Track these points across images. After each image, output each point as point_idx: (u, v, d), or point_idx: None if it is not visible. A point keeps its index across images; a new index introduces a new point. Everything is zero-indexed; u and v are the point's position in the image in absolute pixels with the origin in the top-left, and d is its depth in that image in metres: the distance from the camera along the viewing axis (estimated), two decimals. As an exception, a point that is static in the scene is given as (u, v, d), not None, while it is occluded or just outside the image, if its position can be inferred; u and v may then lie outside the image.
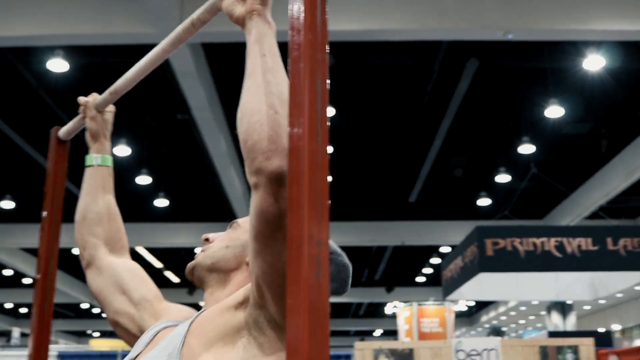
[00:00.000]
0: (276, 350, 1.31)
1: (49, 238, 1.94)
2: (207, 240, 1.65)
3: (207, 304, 1.56)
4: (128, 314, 1.74)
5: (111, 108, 2.01)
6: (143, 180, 12.42)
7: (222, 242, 1.61)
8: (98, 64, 9.51)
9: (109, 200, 1.94)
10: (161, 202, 13.67)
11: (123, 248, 1.91)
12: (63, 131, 2.03)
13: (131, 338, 1.71)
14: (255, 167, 1.17)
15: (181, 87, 9.12)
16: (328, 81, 1.01)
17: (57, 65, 8.94)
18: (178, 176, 13.71)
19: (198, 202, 15.52)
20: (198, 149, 11.66)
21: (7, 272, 21.96)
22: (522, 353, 8.83)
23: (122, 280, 1.79)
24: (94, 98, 1.99)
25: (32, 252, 20.01)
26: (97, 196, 1.93)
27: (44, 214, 1.97)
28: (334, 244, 1.46)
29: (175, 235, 16.35)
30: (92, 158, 1.97)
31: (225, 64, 9.53)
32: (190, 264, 1.61)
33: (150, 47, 1.59)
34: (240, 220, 1.67)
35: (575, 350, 8.67)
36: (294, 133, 0.97)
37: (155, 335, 1.59)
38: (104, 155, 1.98)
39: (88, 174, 1.97)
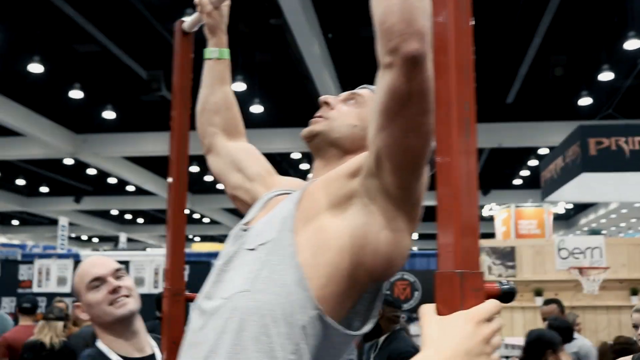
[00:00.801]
0: (386, 220, 1.37)
1: (180, 130, 2.04)
2: (327, 104, 1.66)
3: (317, 173, 1.61)
4: (244, 188, 1.87)
5: (227, 2, 2.05)
6: (238, 86, 12.57)
7: (351, 119, 1.61)
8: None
9: (226, 91, 2.04)
10: (256, 109, 13.83)
11: (240, 133, 2.03)
12: (187, 24, 2.09)
13: (247, 208, 1.82)
14: (391, 47, 1.21)
15: (274, -9, 9.10)
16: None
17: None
18: (272, 82, 13.79)
19: (293, 108, 15.63)
20: (292, 53, 11.67)
21: (112, 180, 22.89)
22: (627, 251, 8.71)
23: (238, 160, 1.92)
24: None
25: (134, 160, 20.76)
26: (215, 88, 2.03)
27: (173, 112, 2.06)
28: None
29: (270, 141, 16.59)
30: (210, 52, 2.06)
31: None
32: (312, 129, 1.62)
33: None
34: (365, 94, 1.66)
35: (682, 248, 8.49)
36: (438, 4, 0.99)
37: (268, 201, 1.67)
38: (221, 49, 2.06)
39: (207, 67, 2.07)
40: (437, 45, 0.99)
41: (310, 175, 1.67)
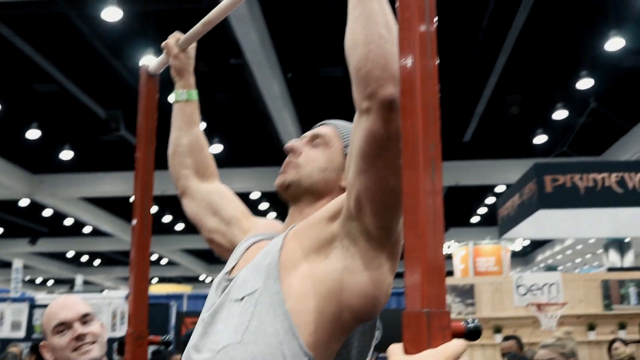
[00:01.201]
0: (368, 260, 1.38)
1: (144, 171, 2.03)
2: (293, 151, 1.68)
3: (293, 219, 1.62)
4: (221, 232, 1.87)
5: (193, 45, 2.07)
6: (198, 126, 12.57)
7: (320, 163, 1.63)
8: (150, 11, 9.58)
9: (197, 133, 2.05)
10: (216, 148, 13.82)
11: (212, 174, 2.04)
12: (153, 66, 2.10)
13: (224, 252, 1.84)
14: (369, 93, 1.25)
15: (234, 31, 9.15)
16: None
17: (111, 14, 9.03)
18: (232, 121, 13.82)
19: (252, 147, 15.65)
20: (251, 93, 11.72)
21: (68, 222, 22.55)
22: (584, 287, 8.82)
23: (213, 203, 1.92)
24: (176, 38, 2.06)
25: (91, 201, 20.50)
26: (185, 130, 2.05)
27: (137, 153, 2.05)
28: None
29: (230, 180, 16.53)
30: (179, 94, 2.08)
31: (277, 6, 9.50)
32: (284, 180, 1.64)
33: None
34: (329, 133, 1.68)
35: (638, 283, 8.63)
36: (405, 49, 1.02)
37: (247, 249, 1.67)
38: (189, 91, 2.09)
39: (176, 109, 2.08)
40: (403, 87, 1.02)
41: (286, 220, 1.67)
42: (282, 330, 1.36)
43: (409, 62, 1.01)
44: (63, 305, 2.32)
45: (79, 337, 2.23)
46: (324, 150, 1.65)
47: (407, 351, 0.97)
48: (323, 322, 1.37)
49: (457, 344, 0.97)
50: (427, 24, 1.02)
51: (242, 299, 1.45)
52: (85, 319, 2.29)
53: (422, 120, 0.97)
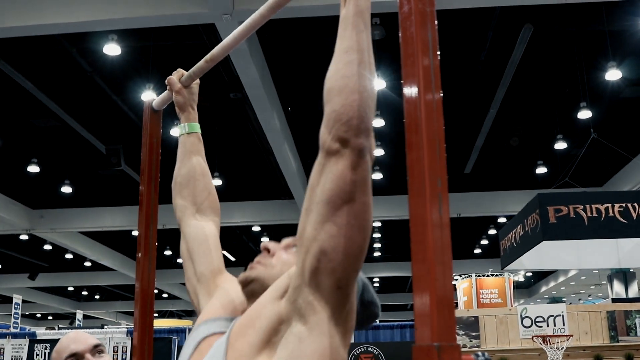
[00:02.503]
0: (318, 339, 1.29)
1: (149, 205, 2.02)
2: (267, 250, 1.61)
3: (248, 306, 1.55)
4: (192, 282, 1.81)
5: (196, 81, 2.08)
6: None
7: (290, 268, 1.52)
8: (149, 47, 9.65)
9: (196, 161, 2.01)
10: (216, 182, 13.83)
11: (210, 208, 1.97)
12: (156, 102, 2.11)
13: (194, 304, 1.78)
14: (343, 138, 1.26)
15: (234, 66, 9.21)
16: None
17: (111, 49, 9.12)
18: (232, 155, 13.85)
19: (252, 181, 15.67)
20: (251, 127, 11.77)
21: (68, 256, 22.50)
22: (589, 318, 8.77)
23: (192, 250, 1.85)
24: (179, 74, 2.06)
25: (91, 235, 20.47)
26: (185, 160, 2.02)
27: (141, 188, 2.05)
28: (363, 278, 1.51)
29: (230, 215, 16.54)
30: (182, 127, 2.07)
31: (276, 42, 9.58)
32: (248, 275, 1.56)
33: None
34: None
35: (643, 314, 8.57)
36: (410, 83, 1.03)
37: (196, 347, 1.58)
38: (191, 123, 2.07)
39: (179, 142, 2.07)
40: (408, 121, 1.02)
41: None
42: None
43: (413, 95, 1.01)
44: (74, 338, 2.31)
45: None
46: (294, 255, 1.56)
47: None
48: None
49: None
50: (430, 58, 1.03)
51: None
52: (96, 349, 2.28)
53: (428, 154, 0.97)
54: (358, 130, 1.25)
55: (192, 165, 2.00)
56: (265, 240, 19.40)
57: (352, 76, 1.29)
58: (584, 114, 10.98)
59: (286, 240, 1.64)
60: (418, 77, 1.02)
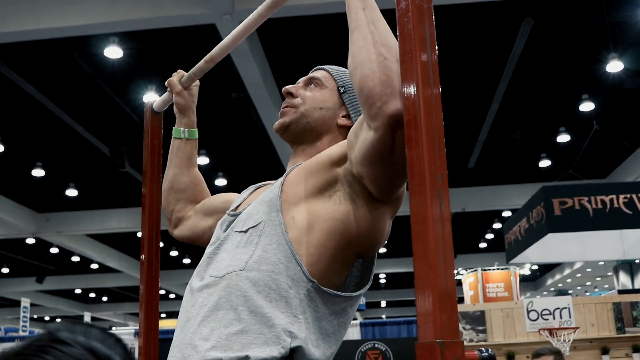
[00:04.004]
0: (370, 209, 1.45)
1: (151, 207, 2.03)
2: (290, 94, 1.74)
3: (297, 158, 1.70)
4: (218, 217, 1.87)
5: (196, 83, 2.10)
6: (201, 160, 12.60)
7: (316, 102, 1.71)
8: (150, 48, 9.66)
9: (195, 173, 2.11)
10: (220, 182, 13.84)
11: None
12: (157, 103, 2.12)
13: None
14: (374, 113, 1.28)
15: (235, 65, 9.21)
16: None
17: (113, 52, 9.14)
18: (236, 155, 13.85)
19: (256, 180, 15.57)
20: (254, 126, 11.76)
21: (75, 259, 22.53)
22: (595, 310, 8.75)
23: (205, 207, 2.00)
24: (179, 76, 2.08)
25: (97, 237, 20.51)
26: (184, 169, 2.09)
27: (144, 190, 2.06)
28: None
29: (236, 214, 16.52)
30: (180, 132, 2.11)
31: (278, 39, 9.57)
32: (284, 121, 1.71)
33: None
34: (322, 76, 1.76)
35: (649, 305, 8.54)
36: (408, 79, 1.03)
37: (254, 190, 1.75)
38: (191, 130, 2.11)
39: (175, 146, 2.10)
40: (407, 118, 1.02)
41: (290, 161, 1.74)
42: (285, 259, 1.41)
43: (412, 92, 1.01)
44: None
45: None
46: (319, 91, 1.73)
47: None
48: (324, 255, 1.43)
49: None
50: (428, 54, 1.03)
51: (247, 231, 1.49)
52: None
53: (428, 150, 0.97)
54: (384, 97, 1.25)
55: (192, 176, 2.09)
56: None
57: (361, 49, 1.33)
58: (586, 106, 10.95)
59: (302, 80, 1.79)
60: (416, 73, 1.02)
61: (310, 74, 1.78)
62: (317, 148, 1.67)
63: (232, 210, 1.66)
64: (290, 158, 1.74)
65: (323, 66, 1.80)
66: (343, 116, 1.71)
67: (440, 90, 1.02)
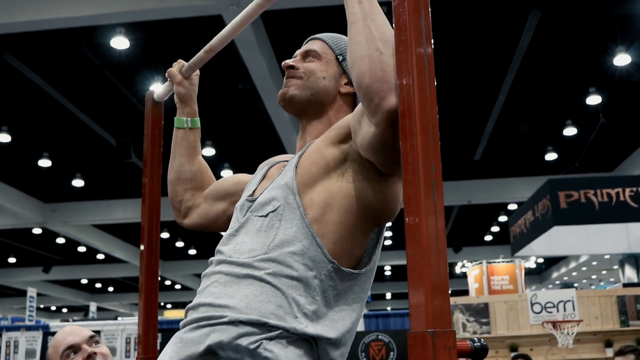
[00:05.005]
0: (381, 182, 1.48)
1: (151, 197, 2.03)
2: (291, 67, 1.76)
3: (306, 133, 1.74)
4: (233, 200, 1.93)
5: (197, 72, 2.10)
6: (207, 151, 12.62)
7: (317, 73, 1.73)
8: (157, 39, 9.66)
9: (200, 161, 2.11)
10: (226, 173, 13.85)
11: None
12: (158, 93, 2.12)
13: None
14: (373, 109, 1.29)
15: (241, 56, 9.20)
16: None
17: (119, 43, 9.14)
18: (242, 146, 13.86)
19: (263, 171, 15.66)
20: (260, 117, 11.77)
21: (81, 249, 22.60)
22: (599, 304, 8.73)
23: (216, 191, 2.02)
24: (180, 66, 2.08)
25: (104, 228, 20.57)
26: (190, 158, 2.10)
27: (144, 179, 2.07)
28: None
29: (241, 205, 16.54)
30: (183, 121, 2.11)
31: (284, 31, 9.56)
32: (287, 94, 1.73)
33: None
34: (318, 48, 1.78)
35: (654, 299, 8.52)
36: (403, 70, 1.03)
37: (266, 173, 1.76)
38: (194, 119, 2.11)
39: (179, 135, 2.11)
40: (402, 109, 1.02)
41: (299, 135, 1.77)
42: (306, 241, 1.45)
43: (406, 83, 1.02)
44: (69, 331, 2.35)
45: (90, 357, 2.25)
46: (318, 62, 1.75)
47: None
48: (345, 232, 1.47)
49: None
50: (424, 46, 1.03)
51: (267, 215, 1.52)
52: (92, 340, 2.31)
53: (422, 141, 0.97)
54: (382, 93, 1.26)
55: (199, 164, 2.10)
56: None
57: (358, 45, 1.35)
58: (593, 99, 10.91)
59: (299, 52, 1.81)
60: (411, 64, 1.02)
61: (306, 46, 1.80)
62: (323, 119, 1.71)
63: (250, 196, 1.67)
64: (299, 135, 1.78)
65: (318, 35, 1.82)
66: (345, 84, 1.73)
67: (435, 81, 1.02)
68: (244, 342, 1.35)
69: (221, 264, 1.52)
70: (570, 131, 12.51)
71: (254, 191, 1.69)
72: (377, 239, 1.57)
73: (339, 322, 1.45)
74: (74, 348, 2.27)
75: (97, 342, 2.33)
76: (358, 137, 1.43)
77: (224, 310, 1.41)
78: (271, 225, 1.50)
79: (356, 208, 1.48)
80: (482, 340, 1.00)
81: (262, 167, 1.83)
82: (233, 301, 1.41)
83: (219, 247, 1.59)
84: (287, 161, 1.73)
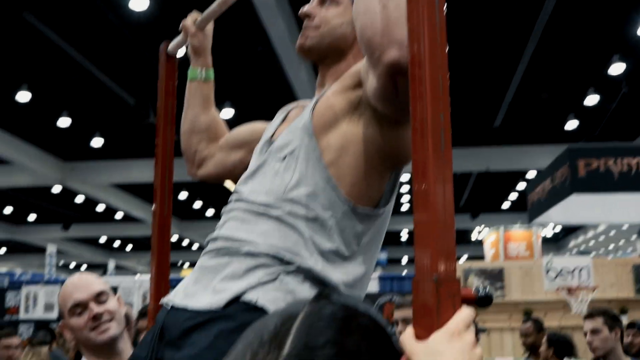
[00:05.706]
0: (396, 126, 1.49)
1: (164, 152, 2.04)
2: (308, 15, 1.76)
3: (326, 78, 1.74)
4: (250, 147, 1.92)
5: (211, 24, 2.09)
6: (227, 113, 12.60)
7: (335, 20, 1.73)
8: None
9: (214, 114, 2.12)
10: (245, 135, 13.84)
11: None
12: (172, 46, 2.11)
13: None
14: (374, 61, 1.31)
15: (261, 19, 9.15)
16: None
17: (139, 3, 9.10)
18: (260, 108, 13.82)
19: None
20: (279, 80, 11.72)
21: (100, 208, 22.77)
22: (615, 272, 8.72)
23: (232, 140, 2.05)
24: (193, 18, 2.07)
25: (122, 187, 20.69)
26: (204, 109, 2.10)
27: (157, 138, 2.07)
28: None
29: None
30: (197, 72, 2.09)
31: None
32: (304, 44, 1.74)
33: None
34: None
35: (670, 268, 8.49)
36: (413, 16, 1.01)
37: (285, 116, 1.78)
38: (208, 70, 2.10)
39: (193, 88, 2.10)
40: (412, 56, 1.01)
41: (318, 79, 1.78)
42: (322, 183, 1.48)
43: (416, 31, 1.00)
44: (77, 285, 2.31)
45: (96, 317, 2.23)
46: (335, 8, 1.74)
47: (418, 334, 0.93)
48: (360, 175, 1.51)
49: (465, 314, 0.94)
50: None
51: (284, 158, 1.55)
52: (100, 298, 2.28)
53: (431, 88, 0.96)
54: (382, 46, 1.27)
55: (212, 117, 2.11)
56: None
57: (361, 0, 1.35)
58: (616, 68, 10.76)
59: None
60: (422, 10, 1.00)
61: None
62: (342, 64, 1.71)
63: (269, 138, 1.70)
64: (318, 77, 1.78)
65: None
66: None
67: (445, 28, 1.01)
68: (260, 273, 1.39)
69: (239, 202, 1.56)
70: (591, 100, 12.36)
71: (273, 133, 1.71)
72: (394, 182, 1.59)
73: (354, 264, 1.48)
74: (81, 305, 2.25)
75: (104, 298, 2.29)
76: (367, 86, 1.44)
77: (241, 243, 1.46)
78: (288, 166, 1.53)
79: (371, 152, 1.51)
80: (488, 289, 1.00)
81: (283, 110, 1.84)
82: (251, 236, 1.46)
83: (237, 187, 1.63)
84: (304, 105, 1.74)
